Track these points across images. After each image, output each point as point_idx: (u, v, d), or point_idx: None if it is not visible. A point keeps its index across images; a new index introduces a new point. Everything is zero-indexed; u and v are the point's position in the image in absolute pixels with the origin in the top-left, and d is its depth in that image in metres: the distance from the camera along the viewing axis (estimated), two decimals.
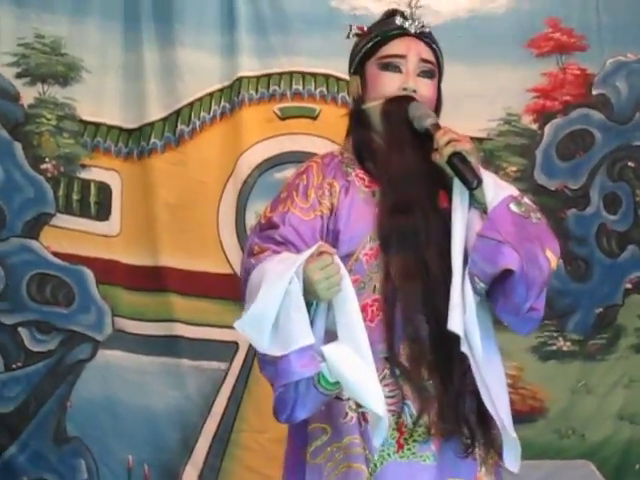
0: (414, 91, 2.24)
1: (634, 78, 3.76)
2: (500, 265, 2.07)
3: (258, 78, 3.68)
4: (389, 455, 2.12)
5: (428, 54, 2.29)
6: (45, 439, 3.62)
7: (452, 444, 2.15)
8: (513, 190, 2.17)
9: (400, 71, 2.26)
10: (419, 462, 2.13)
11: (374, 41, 2.30)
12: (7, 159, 3.62)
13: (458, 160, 2.09)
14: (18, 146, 3.63)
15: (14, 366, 3.63)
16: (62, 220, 3.65)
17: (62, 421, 3.63)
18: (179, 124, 3.67)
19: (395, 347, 2.14)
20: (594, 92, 3.76)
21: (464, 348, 2.08)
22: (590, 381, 3.76)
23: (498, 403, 2.13)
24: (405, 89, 2.24)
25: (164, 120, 3.68)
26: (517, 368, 3.65)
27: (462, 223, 2.11)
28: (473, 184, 2.08)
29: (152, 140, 3.67)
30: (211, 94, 3.69)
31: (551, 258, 2.11)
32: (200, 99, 3.68)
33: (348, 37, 2.39)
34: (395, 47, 2.28)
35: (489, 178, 2.15)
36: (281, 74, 3.70)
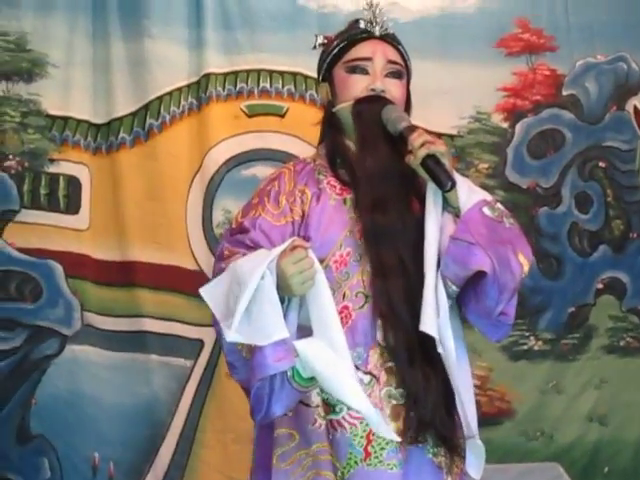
0: (382, 91, 2.23)
1: (603, 79, 3.79)
2: (472, 267, 2.07)
3: (225, 75, 3.65)
4: (356, 462, 2.12)
5: (394, 55, 2.30)
6: (7, 438, 3.57)
7: (418, 452, 2.15)
8: (487, 195, 2.18)
9: (367, 73, 2.26)
10: (386, 470, 2.12)
11: (340, 46, 2.30)
12: None
13: (432, 162, 2.08)
14: None
15: None
16: (29, 215, 3.59)
17: (26, 419, 3.58)
18: (148, 118, 3.63)
19: (365, 352, 2.14)
20: (564, 92, 3.78)
21: (440, 349, 2.07)
22: (560, 381, 3.77)
23: (467, 408, 2.13)
24: (373, 89, 2.24)
25: (133, 115, 3.64)
26: (486, 368, 3.65)
27: (436, 226, 2.11)
28: (447, 186, 2.07)
29: (121, 135, 3.63)
30: (179, 89, 3.65)
31: (523, 262, 2.11)
32: (169, 93, 3.64)
33: (314, 48, 2.38)
34: (361, 50, 2.28)
35: (463, 182, 2.15)
36: (248, 71, 3.67)
